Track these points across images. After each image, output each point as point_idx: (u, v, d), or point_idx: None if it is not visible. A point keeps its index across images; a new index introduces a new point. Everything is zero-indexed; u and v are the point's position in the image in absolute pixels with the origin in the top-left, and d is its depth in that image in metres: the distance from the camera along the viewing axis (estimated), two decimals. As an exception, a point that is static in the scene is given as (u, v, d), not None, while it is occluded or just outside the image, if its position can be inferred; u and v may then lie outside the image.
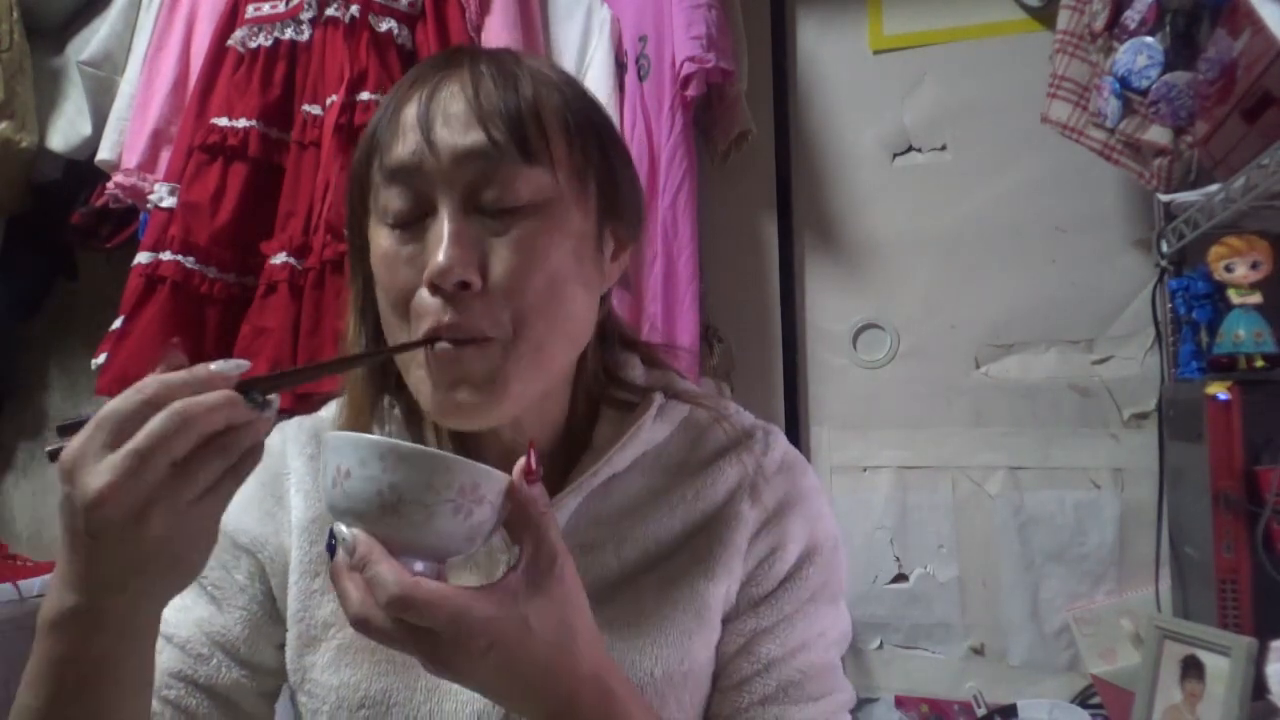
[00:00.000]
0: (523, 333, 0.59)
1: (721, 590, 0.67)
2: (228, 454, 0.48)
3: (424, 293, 0.58)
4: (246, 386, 0.50)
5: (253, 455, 0.50)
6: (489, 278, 0.58)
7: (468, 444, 0.68)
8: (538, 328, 0.59)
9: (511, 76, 0.61)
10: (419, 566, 0.49)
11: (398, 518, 0.48)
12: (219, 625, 0.67)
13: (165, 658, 0.65)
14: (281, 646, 0.69)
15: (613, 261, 0.67)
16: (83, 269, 1.98)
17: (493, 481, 0.50)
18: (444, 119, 0.59)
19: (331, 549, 0.50)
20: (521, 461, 0.51)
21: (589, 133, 0.63)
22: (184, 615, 0.67)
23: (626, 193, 0.67)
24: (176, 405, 0.46)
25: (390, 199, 0.60)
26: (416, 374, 0.60)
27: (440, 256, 0.56)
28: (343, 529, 0.49)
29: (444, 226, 0.58)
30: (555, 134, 0.61)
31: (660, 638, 0.64)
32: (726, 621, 0.68)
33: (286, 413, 0.74)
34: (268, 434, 0.51)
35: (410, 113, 0.60)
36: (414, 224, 0.60)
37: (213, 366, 0.49)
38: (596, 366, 0.70)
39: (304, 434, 0.73)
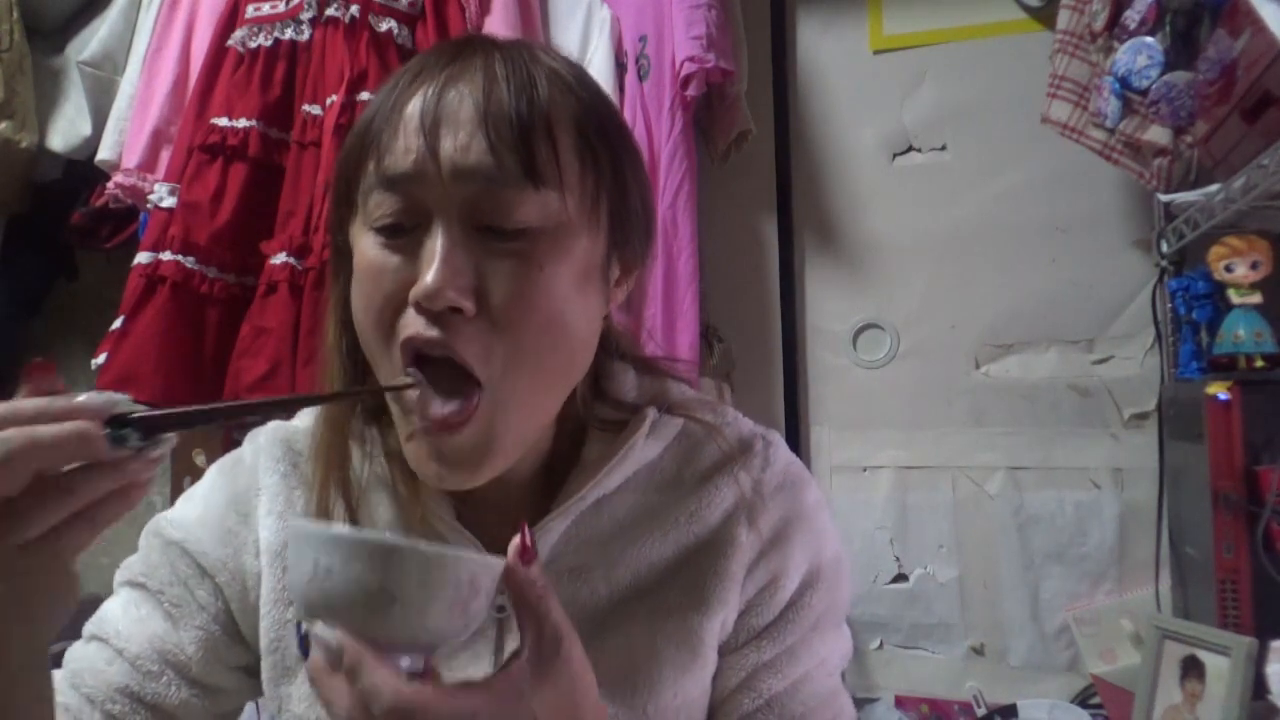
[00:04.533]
0: (514, 374, 0.54)
1: (716, 624, 0.64)
2: (71, 497, 0.43)
3: (409, 312, 0.53)
4: (124, 422, 0.44)
5: (118, 501, 0.44)
6: (484, 304, 0.53)
7: None
8: (531, 369, 0.55)
9: (527, 81, 0.55)
10: (405, 662, 0.45)
11: (387, 619, 0.43)
12: (172, 643, 0.63)
13: (114, 671, 0.62)
14: (240, 669, 0.66)
15: (616, 288, 0.62)
16: (83, 269, 1.98)
17: (490, 569, 0.46)
18: (449, 126, 0.53)
19: (303, 645, 0.45)
20: (515, 542, 0.47)
21: (603, 147, 0.58)
22: (138, 628, 0.63)
23: (638, 214, 0.62)
24: (8, 433, 0.41)
25: (382, 204, 0.55)
26: (398, 417, 0.55)
27: (430, 277, 0.51)
28: (322, 630, 0.44)
29: (437, 243, 0.52)
30: (568, 153, 0.56)
31: (652, 673, 0.62)
32: (725, 653, 0.66)
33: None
34: (150, 477, 0.46)
35: (413, 112, 0.54)
36: (405, 234, 0.54)
37: (80, 398, 0.43)
38: (585, 388, 0.65)
39: (277, 446, 0.68)
